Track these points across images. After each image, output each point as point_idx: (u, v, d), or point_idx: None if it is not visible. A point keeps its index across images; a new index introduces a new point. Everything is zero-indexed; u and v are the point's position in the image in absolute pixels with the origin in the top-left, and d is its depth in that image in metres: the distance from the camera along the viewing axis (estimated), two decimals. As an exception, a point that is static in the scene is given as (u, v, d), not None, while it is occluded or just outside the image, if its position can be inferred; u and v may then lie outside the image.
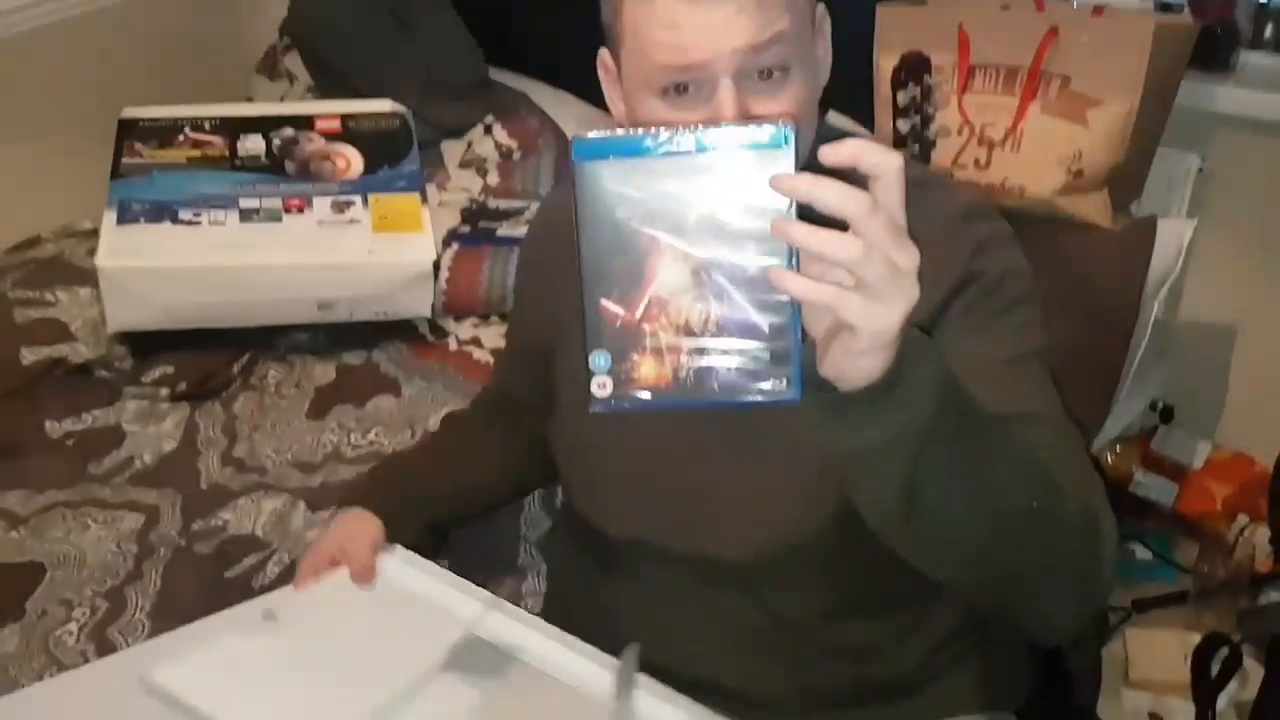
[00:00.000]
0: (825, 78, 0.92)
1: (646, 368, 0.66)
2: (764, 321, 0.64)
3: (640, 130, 0.62)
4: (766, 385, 0.65)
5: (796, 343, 0.65)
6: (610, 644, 1.11)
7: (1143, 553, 1.87)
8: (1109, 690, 1.59)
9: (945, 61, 1.50)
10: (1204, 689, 1.55)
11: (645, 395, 0.66)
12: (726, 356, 0.65)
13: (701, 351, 0.65)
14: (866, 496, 0.74)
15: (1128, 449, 1.93)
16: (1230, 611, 1.72)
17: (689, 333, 0.65)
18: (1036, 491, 0.76)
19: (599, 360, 0.66)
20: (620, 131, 0.62)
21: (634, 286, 0.64)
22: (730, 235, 0.63)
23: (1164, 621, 1.74)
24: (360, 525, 1.07)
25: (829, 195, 0.61)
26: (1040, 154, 1.50)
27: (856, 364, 0.65)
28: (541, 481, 1.27)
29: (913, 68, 1.49)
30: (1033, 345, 0.91)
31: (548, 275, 1.08)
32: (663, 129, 0.62)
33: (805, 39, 0.87)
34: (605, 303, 0.65)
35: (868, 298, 0.62)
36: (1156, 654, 1.65)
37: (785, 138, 0.61)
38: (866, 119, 1.60)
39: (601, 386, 0.66)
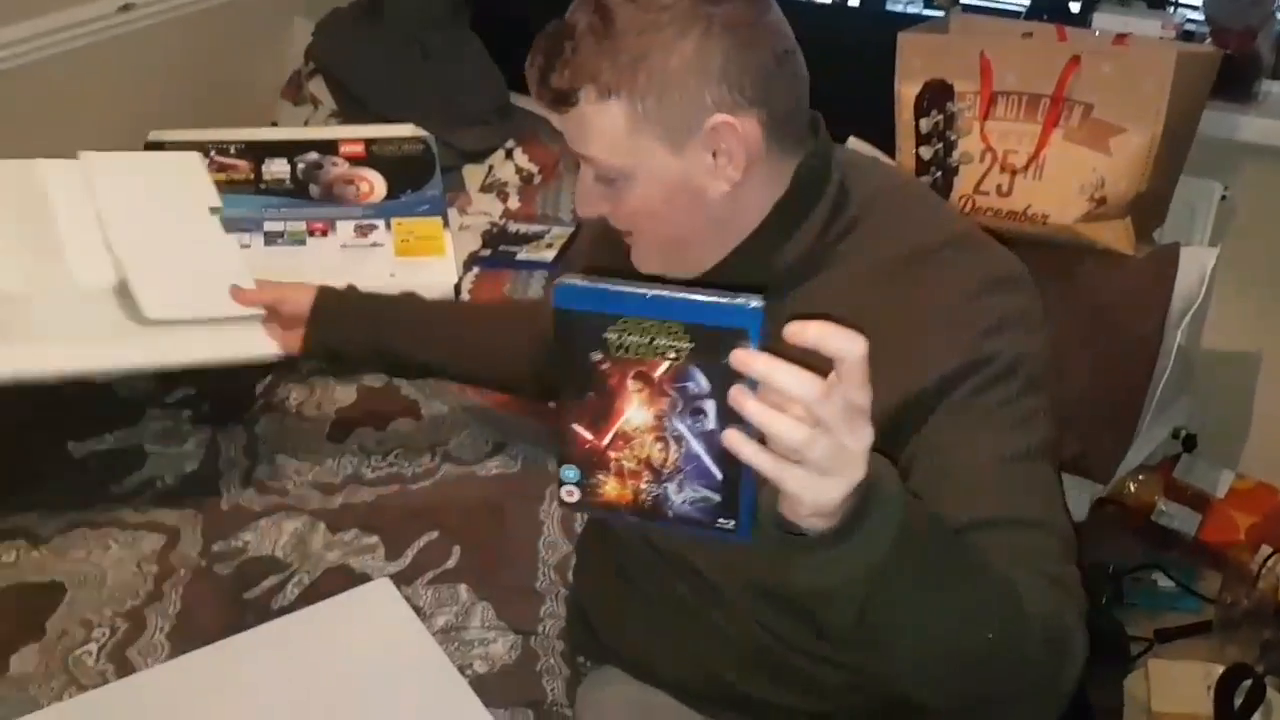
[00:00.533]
0: (717, 188, 0.92)
1: (610, 487, 0.72)
2: (718, 470, 0.69)
3: (617, 288, 0.67)
4: (718, 524, 0.71)
5: (749, 493, 0.69)
6: (633, 660, 1.12)
7: (1165, 583, 1.86)
8: (1131, 721, 1.58)
9: (967, 88, 1.51)
10: (1228, 721, 1.54)
11: (606, 510, 0.72)
12: (682, 493, 0.71)
13: (659, 485, 0.71)
14: (822, 622, 0.77)
15: (1150, 478, 1.92)
16: (1254, 642, 1.71)
17: (649, 467, 0.70)
18: (998, 623, 0.78)
19: (568, 473, 0.72)
20: (600, 284, 0.67)
21: (603, 419, 0.70)
22: (691, 392, 0.68)
23: (1187, 652, 1.73)
24: (302, 293, 1.36)
25: (783, 379, 0.65)
26: (1062, 181, 1.50)
27: (804, 520, 0.70)
28: (502, 385, 1.47)
29: (936, 94, 1.50)
30: (1037, 439, 0.90)
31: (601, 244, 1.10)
32: (640, 290, 0.66)
33: (642, 160, 0.91)
34: (577, 427, 0.71)
35: (811, 473, 0.66)
36: (1179, 685, 1.63)
37: (754, 316, 0.65)
38: (886, 145, 1.61)
39: (569, 494, 0.73)
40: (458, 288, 1.74)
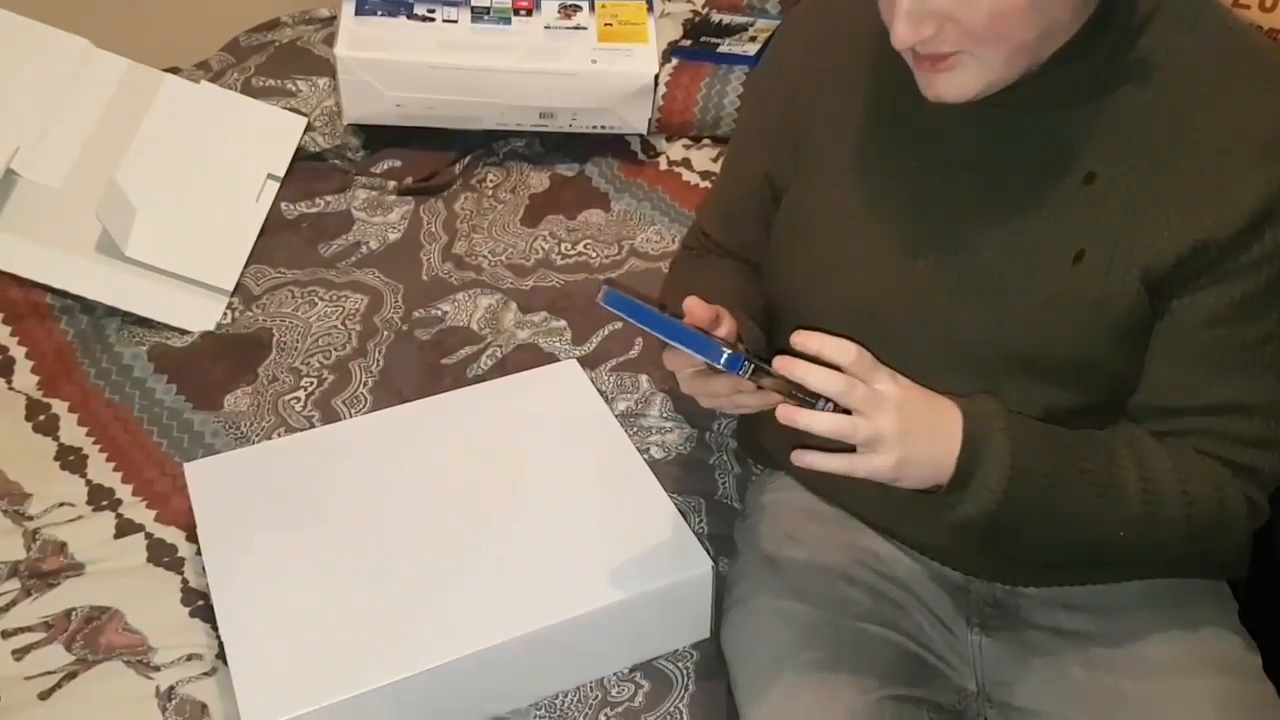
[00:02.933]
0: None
1: None
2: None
3: (647, 307, 0.83)
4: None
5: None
6: (803, 476, 1.12)
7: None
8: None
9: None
10: None
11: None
12: None
13: None
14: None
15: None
16: None
17: None
18: (1133, 524, 0.89)
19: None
20: (639, 302, 0.83)
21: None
22: None
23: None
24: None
25: (813, 377, 0.80)
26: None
27: (905, 485, 0.86)
28: None
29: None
30: None
31: (801, 91, 1.01)
32: (660, 315, 0.83)
33: None
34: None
35: (862, 450, 0.82)
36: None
37: (737, 362, 0.80)
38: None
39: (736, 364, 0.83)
40: (656, 79, 1.70)
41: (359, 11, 1.67)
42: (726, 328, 0.89)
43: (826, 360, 0.81)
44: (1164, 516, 0.88)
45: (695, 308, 0.87)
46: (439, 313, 1.48)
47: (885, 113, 0.95)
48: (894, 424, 0.81)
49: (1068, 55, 0.85)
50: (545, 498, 1.11)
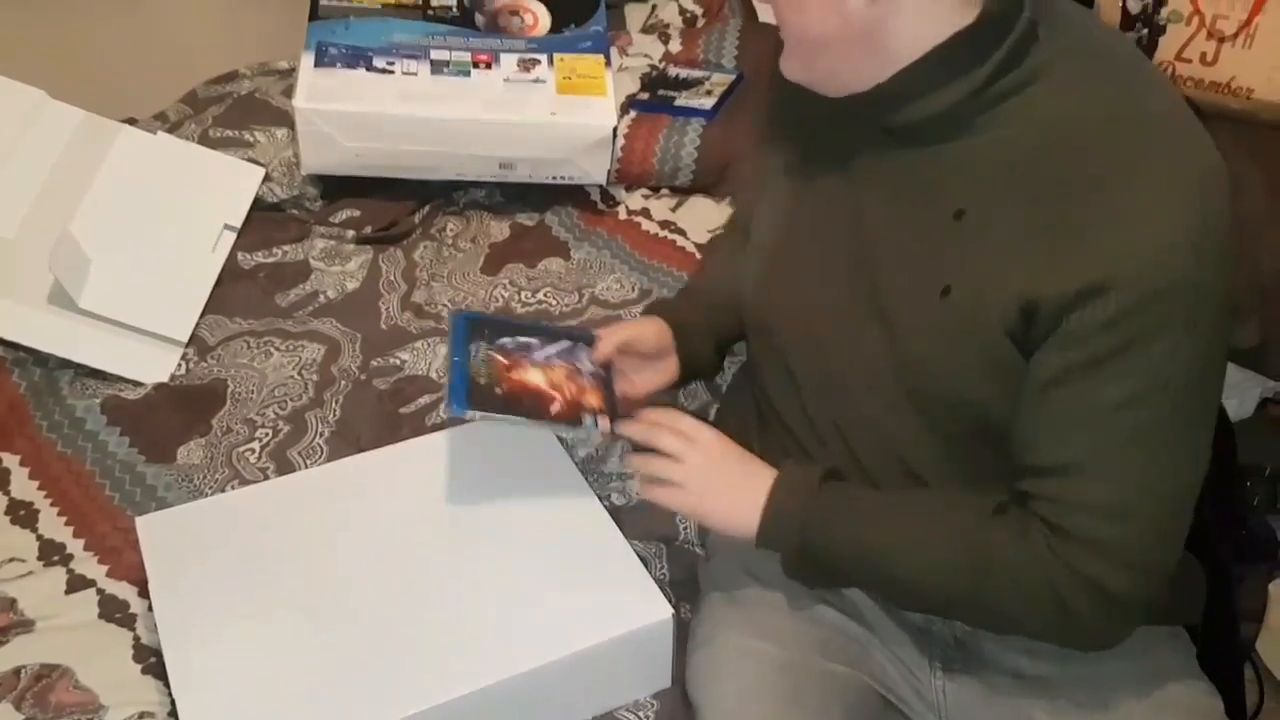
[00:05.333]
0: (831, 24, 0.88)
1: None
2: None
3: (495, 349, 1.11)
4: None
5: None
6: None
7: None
8: (1273, 628, 1.53)
9: (1181, -57, 1.39)
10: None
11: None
12: None
13: None
14: None
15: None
16: None
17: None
18: (958, 588, 0.93)
19: (582, 432, 1.10)
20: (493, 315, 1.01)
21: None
22: None
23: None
24: (655, 325, 1.16)
25: (628, 430, 1.08)
26: (1274, 53, 1.39)
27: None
28: None
29: (1152, -56, 1.39)
30: (1182, 379, 0.84)
31: (768, 134, 1.11)
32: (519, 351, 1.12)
33: None
34: (553, 410, 1.10)
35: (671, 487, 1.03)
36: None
37: (457, 407, 1.04)
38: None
39: (597, 435, 1.17)
40: (614, 131, 1.72)
41: (318, 64, 1.68)
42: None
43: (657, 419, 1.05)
44: (961, 592, 0.93)
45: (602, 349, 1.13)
46: (398, 361, 1.47)
47: (821, 146, 1.00)
48: (698, 473, 1.01)
49: (925, 81, 0.88)
50: (504, 546, 1.10)
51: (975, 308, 0.88)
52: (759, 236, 1.09)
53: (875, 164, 0.95)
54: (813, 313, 1.00)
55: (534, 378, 1.10)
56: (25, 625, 1.13)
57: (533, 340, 1.14)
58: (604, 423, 1.08)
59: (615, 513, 1.18)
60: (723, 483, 1.01)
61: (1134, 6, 1.41)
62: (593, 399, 1.10)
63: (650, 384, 1.15)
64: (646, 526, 1.22)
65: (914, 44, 0.87)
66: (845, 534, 0.96)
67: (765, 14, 2.03)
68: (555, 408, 1.08)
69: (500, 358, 1.11)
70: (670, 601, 1.06)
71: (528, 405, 1.07)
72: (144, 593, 1.15)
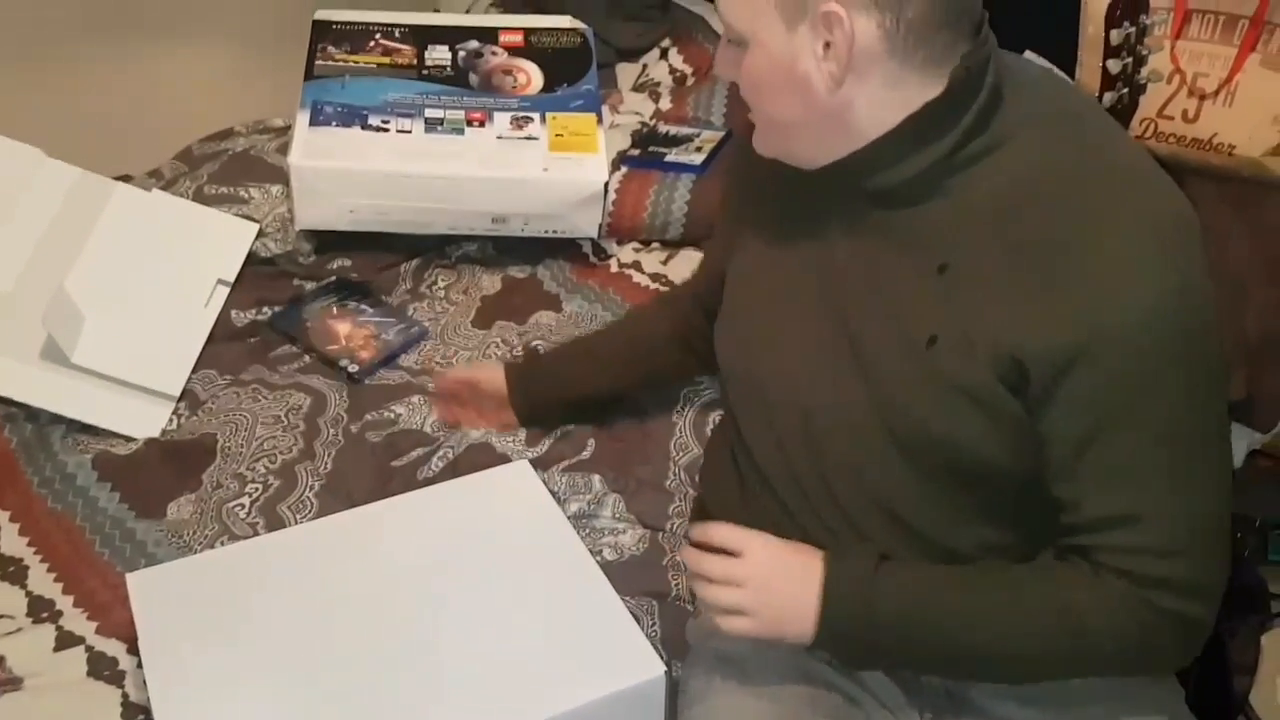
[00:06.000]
0: (821, 80, 0.89)
1: None
2: None
3: None
4: None
5: None
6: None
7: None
8: (1265, 679, 1.53)
9: (1160, 3, 1.42)
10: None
11: None
12: None
13: None
14: None
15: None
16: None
17: None
18: (1037, 650, 0.94)
19: None
20: None
21: None
22: None
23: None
24: (492, 371, 1.40)
25: (688, 557, 1.02)
26: (1254, 111, 1.41)
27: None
28: (671, 374, 1.43)
29: (1129, 4, 1.42)
30: (1185, 416, 0.88)
31: (740, 191, 1.13)
32: None
33: (759, 26, 0.90)
34: None
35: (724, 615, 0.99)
36: (1320, 647, 1.56)
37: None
38: (1062, 61, 1.53)
39: None
40: (606, 186, 1.74)
41: (314, 122, 1.70)
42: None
43: (717, 544, 1.00)
44: (1060, 650, 0.93)
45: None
46: (391, 414, 1.47)
47: (795, 205, 1.02)
48: (758, 594, 0.97)
49: (897, 151, 0.91)
50: (496, 602, 1.10)
51: (964, 356, 0.89)
52: (732, 295, 1.10)
53: (848, 223, 0.97)
54: (791, 367, 1.01)
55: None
56: (13, 683, 1.13)
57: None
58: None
59: (607, 568, 1.18)
60: (785, 593, 0.97)
61: (1114, 67, 1.44)
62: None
63: (490, 422, 1.41)
64: (638, 582, 1.22)
65: (883, 120, 0.90)
66: (914, 616, 0.95)
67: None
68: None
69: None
70: (662, 658, 1.05)
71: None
72: (133, 649, 1.14)
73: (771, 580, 0.97)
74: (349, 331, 1.61)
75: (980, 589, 0.95)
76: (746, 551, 0.98)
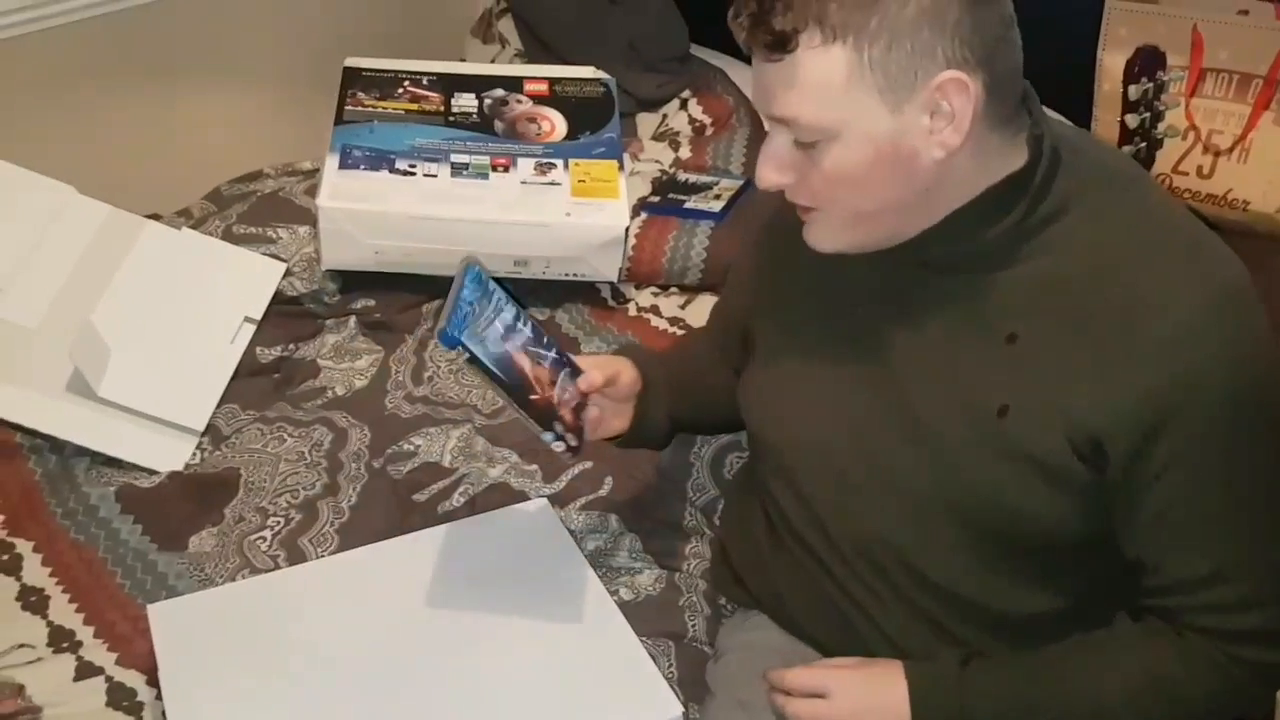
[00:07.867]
0: (930, 154, 0.86)
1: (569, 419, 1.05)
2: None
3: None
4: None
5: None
6: (777, 613, 1.13)
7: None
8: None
9: (1176, 62, 1.45)
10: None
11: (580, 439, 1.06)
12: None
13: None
14: None
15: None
16: None
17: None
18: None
19: (548, 436, 1.05)
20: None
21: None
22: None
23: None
24: (631, 373, 1.13)
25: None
26: (1269, 168, 1.44)
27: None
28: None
29: (1148, 61, 1.45)
30: (1256, 474, 0.90)
31: (764, 258, 1.12)
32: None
33: (855, 116, 0.85)
34: (533, 398, 1.01)
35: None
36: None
37: (557, 438, 1.06)
38: (1077, 116, 1.56)
39: (560, 448, 1.06)
40: (627, 231, 1.76)
41: (342, 165, 1.73)
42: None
43: (797, 692, 1.01)
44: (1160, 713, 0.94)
45: (593, 380, 1.06)
46: (411, 447, 1.48)
47: (832, 268, 0.98)
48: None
49: (975, 221, 0.90)
50: (513, 641, 1.10)
51: (1037, 426, 0.89)
52: (764, 360, 1.09)
53: (906, 289, 0.95)
54: (825, 433, 1.00)
55: (522, 362, 1.02)
56: (33, 711, 1.13)
57: (528, 332, 1.05)
58: (567, 442, 1.04)
59: (625, 607, 1.18)
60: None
61: (1132, 122, 1.47)
62: (566, 414, 1.05)
63: (603, 430, 1.13)
64: (655, 623, 1.22)
65: (968, 191, 0.89)
66: (1010, 716, 0.96)
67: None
68: (536, 399, 1.01)
69: (499, 325, 1.02)
70: (680, 699, 1.06)
71: (513, 379, 1.00)
72: (152, 681, 1.15)
73: (861, 714, 0.99)
74: (533, 373, 1.14)
75: (1072, 675, 0.95)
76: (831, 693, 1.00)
